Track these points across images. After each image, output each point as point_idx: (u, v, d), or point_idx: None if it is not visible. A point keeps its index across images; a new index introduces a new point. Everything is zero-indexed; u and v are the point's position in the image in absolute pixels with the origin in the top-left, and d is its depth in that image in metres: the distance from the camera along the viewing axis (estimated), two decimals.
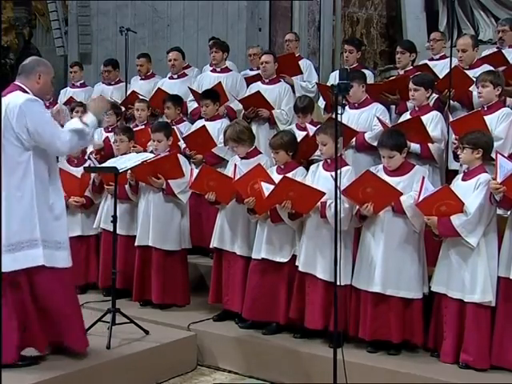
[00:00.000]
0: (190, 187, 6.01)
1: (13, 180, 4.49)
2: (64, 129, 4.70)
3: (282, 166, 5.61)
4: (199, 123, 7.22)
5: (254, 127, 7.07)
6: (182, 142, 7.12)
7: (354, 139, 6.26)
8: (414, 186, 5.07)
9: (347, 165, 5.40)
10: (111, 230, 5.66)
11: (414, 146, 5.87)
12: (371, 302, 5.11)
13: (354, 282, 5.22)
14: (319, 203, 5.22)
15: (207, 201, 5.88)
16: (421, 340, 5.11)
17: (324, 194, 5.13)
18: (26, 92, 4.64)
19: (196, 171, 5.97)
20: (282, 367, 5.28)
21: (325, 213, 5.18)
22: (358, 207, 5.11)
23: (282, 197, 5.25)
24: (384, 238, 5.07)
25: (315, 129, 5.87)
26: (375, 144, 6.15)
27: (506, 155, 5.09)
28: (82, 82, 9.26)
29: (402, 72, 7.27)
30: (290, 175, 5.44)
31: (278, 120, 7.27)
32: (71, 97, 8.83)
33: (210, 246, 6.03)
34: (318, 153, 6.00)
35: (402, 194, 4.99)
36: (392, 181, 5.07)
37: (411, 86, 6.10)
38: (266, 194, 5.29)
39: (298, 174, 5.52)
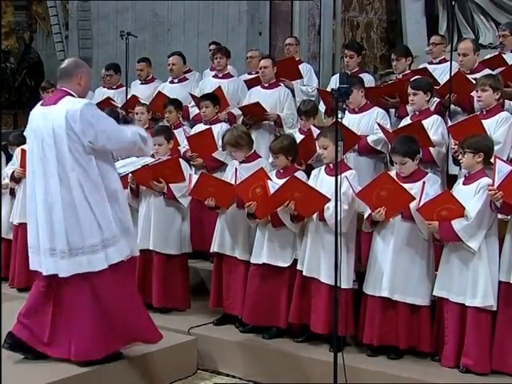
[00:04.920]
0: (189, 194, 6.03)
1: (88, 183, 4.63)
2: (128, 128, 4.95)
3: (282, 171, 5.61)
4: (199, 127, 7.22)
5: (253, 133, 7.07)
6: (182, 146, 7.12)
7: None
8: None
9: (350, 169, 5.40)
10: None
11: None
12: (379, 307, 5.11)
13: (363, 287, 5.22)
14: None
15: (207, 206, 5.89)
16: (428, 347, 5.08)
17: (329, 199, 5.10)
18: (74, 96, 4.73)
19: (195, 177, 5.98)
20: (282, 371, 5.27)
21: (323, 215, 5.18)
22: (369, 212, 5.10)
23: (286, 197, 5.24)
24: (393, 244, 5.07)
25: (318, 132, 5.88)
26: (378, 148, 6.18)
27: (504, 159, 5.09)
28: None
29: (400, 76, 7.28)
30: None
31: (285, 123, 7.26)
32: None
33: (211, 251, 6.03)
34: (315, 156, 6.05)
35: (414, 198, 4.96)
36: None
37: (410, 90, 6.10)
38: (272, 191, 5.30)
39: None
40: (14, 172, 6.99)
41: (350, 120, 6.29)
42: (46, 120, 4.66)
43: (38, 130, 4.72)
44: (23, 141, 6.74)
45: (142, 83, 8.73)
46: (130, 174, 5.93)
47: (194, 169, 6.78)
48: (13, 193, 7.14)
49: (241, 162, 5.94)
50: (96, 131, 4.60)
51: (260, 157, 6.10)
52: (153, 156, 6.30)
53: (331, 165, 5.29)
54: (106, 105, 8.17)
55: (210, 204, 5.81)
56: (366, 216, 5.16)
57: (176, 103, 7.45)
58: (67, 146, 4.57)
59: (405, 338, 5.05)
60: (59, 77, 4.84)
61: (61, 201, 4.60)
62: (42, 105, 4.85)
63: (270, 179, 5.51)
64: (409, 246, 5.06)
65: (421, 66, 7.52)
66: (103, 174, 4.70)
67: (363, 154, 6.30)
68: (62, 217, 4.60)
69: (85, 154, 4.62)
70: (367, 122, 6.34)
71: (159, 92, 8.06)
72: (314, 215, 5.31)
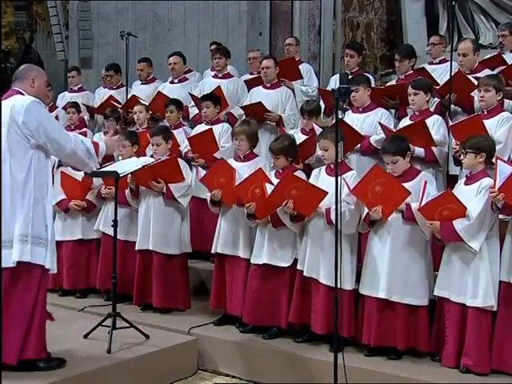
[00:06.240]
0: (200, 180, 6.00)
1: (18, 177, 4.55)
2: (74, 135, 4.83)
3: (281, 171, 5.61)
4: (200, 127, 7.22)
5: None
6: (182, 146, 7.11)
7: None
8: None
9: (351, 169, 5.39)
10: (111, 233, 5.67)
11: (418, 150, 5.85)
12: (376, 308, 5.10)
13: (359, 288, 5.21)
14: (324, 210, 5.21)
15: (208, 202, 5.87)
16: (426, 347, 5.08)
17: (327, 193, 5.10)
18: (24, 95, 4.70)
19: (202, 172, 5.99)
20: (282, 371, 5.27)
21: (330, 219, 5.16)
22: (366, 211, 5.10)
23: (284, 194, 5.23)
24: (390, 244, 5.06)
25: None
26: None
27: (505, 159, 5.09)
28: (79, 86, 9.27)
29: (402, 77, 7.26)
30: None
31: (287, 123, 7.26)
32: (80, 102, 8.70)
33: (212, 251, 6.01)
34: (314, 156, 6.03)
35: (410, 193, 4.96)
36: None
37: (410, 90, 6.08)
38: (269, 192, 5.29)
39: None
40: None
41: (353, 120, 6.27)
42: None
43: None
44: None
45: (142, 83, 8.73)
46: (129, 175, 5.93)
47: (194, 170, 6.78)
48: None
49: (238, 161, 5.93)
50: (38, 125, 4.56)
51: (257, 155, 6.09)
52: (152, 156, 6.32)
53: (332, 165, 5.28)
54: (107, 104, 8.17)
55: (214, 197, 5.77)
56: (363, 216, 5.16)
57: (177, 103, 7.45)
58: (6, 136, 4.51)
59: (403, 338, 5.05)
60: (13, 81, 4.83)
61: None
62: None
63: (269, 180, 5.50)
64: (406, 246, 5.05)
65: (420, 67, 7.51)
66: (36, 175, 4.62)
67: (366, 154, 6.28)
68: None
69: (24, 146, 4.55)
70: (371, 123, 6.30)
71: (159, 92, 8.06)
72: (318, 217, 5.29)
